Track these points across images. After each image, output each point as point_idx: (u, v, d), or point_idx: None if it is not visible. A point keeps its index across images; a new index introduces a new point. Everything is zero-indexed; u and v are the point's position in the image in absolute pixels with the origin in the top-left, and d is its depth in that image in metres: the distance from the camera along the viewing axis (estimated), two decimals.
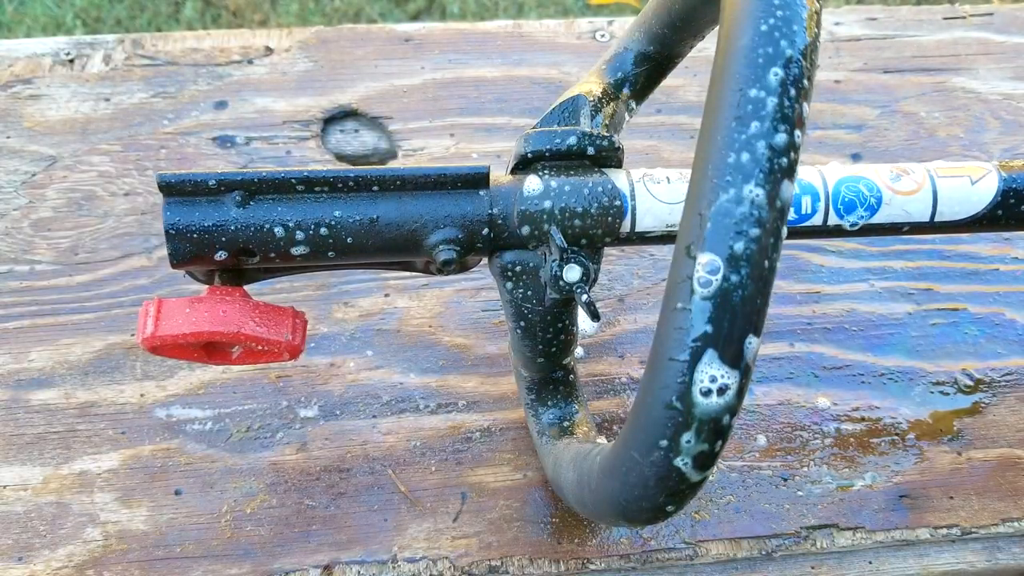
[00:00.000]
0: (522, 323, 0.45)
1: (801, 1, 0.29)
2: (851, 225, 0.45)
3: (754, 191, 0.28)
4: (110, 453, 0.51)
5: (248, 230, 0.40)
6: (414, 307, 0.58)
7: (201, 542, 0.48)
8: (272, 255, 0.41)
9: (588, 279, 0.41)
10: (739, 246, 0.28)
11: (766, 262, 0.28)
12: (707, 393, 0.28)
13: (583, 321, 0.54)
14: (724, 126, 0.28)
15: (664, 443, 0.29)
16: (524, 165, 0.43)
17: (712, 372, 0.28)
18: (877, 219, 0.45)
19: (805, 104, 0.29)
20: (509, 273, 0.43)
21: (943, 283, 0.61)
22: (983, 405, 0.55)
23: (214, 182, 0.40)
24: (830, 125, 0.69)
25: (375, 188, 0.41)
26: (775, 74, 0.28)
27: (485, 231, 0.42)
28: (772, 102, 0.28)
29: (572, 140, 0.42)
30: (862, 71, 0.73)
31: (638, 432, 0.30)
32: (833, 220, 0.45)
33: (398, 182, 0.41)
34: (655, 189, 0.43)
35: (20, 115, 0.66)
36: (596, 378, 0.55)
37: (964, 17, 0.77)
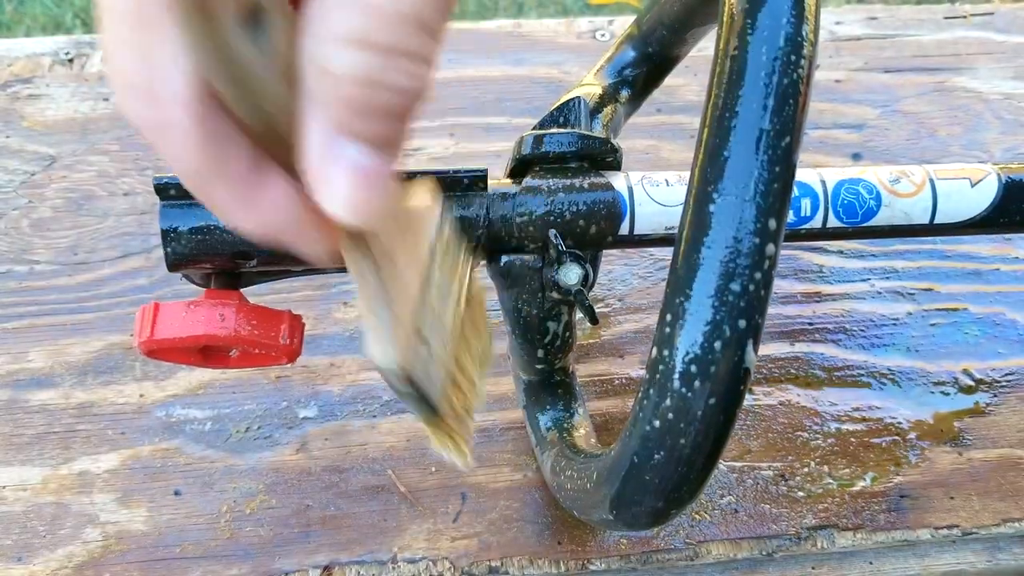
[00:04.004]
0: (520, 326, 0.45)
1: None
2: (850, 228, 0.45)
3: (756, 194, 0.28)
4: (109, 453, 0.51)
5: None
6: None
7: (201, 542, 0.48)
8: (270, 258, 0.41)
9: (587, 282, 0.41)
10: (739, 248, 0.28)
11: (767, 262, 0.28)
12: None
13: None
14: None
15: (663, 446, 0.29)
16: (522, 167, 0.43)
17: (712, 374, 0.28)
18: (876, 222, 0.45)
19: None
20: (507, 276, 0.43)
21: (944, 283, 0.60)
22: (984, 405, 0.55)
23: None
24: (830, 125, 0.69)
25: None
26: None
27: (483, 234, 0.42)
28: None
29: (570, 142, 0.42)
30: (862, 70, 0.73)
31: (637, 435, 0.30)
32: (832, 223, 0.44)
33: None
34: (654, 192, 0.43)
35: (19, 115, 0.66)
36: (596, 378, 0.55)
37: (965, 17, 0.77)
